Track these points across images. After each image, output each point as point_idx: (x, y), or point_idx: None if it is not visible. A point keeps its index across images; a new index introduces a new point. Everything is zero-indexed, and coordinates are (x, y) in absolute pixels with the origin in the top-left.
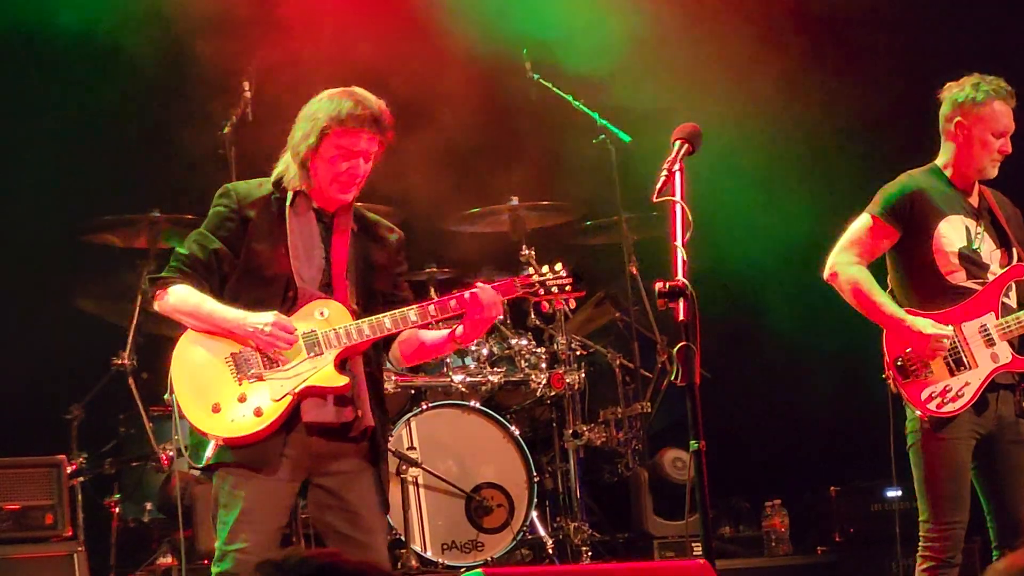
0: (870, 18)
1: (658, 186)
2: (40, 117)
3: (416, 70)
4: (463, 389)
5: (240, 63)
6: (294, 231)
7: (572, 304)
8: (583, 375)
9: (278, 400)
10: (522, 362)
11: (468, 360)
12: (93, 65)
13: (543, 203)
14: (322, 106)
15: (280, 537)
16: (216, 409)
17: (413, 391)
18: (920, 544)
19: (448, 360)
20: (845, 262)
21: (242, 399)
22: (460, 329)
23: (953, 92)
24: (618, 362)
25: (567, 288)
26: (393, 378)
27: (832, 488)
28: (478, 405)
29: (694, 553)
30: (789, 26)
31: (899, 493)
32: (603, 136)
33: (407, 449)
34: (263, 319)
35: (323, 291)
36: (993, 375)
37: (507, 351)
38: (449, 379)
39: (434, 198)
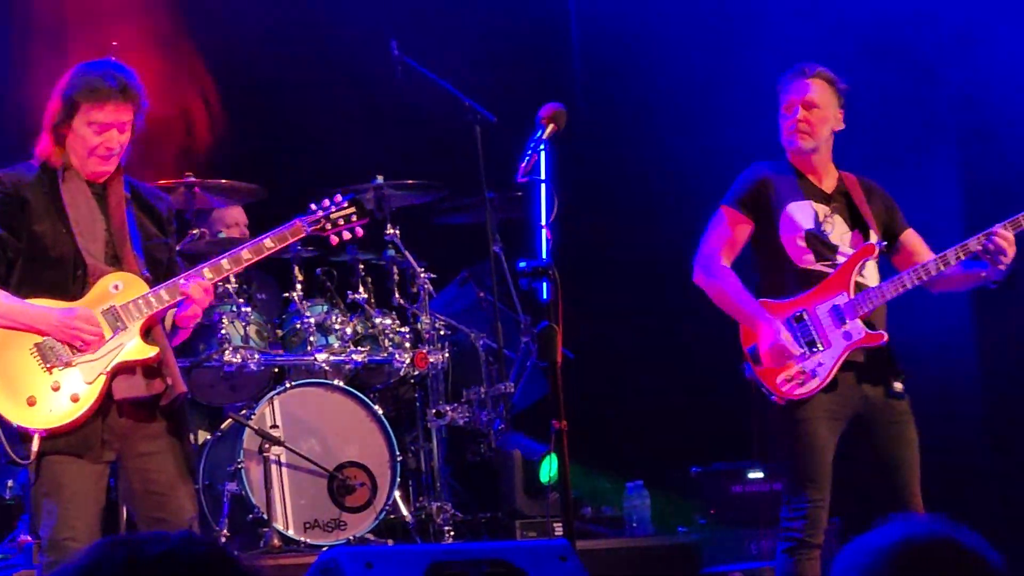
0: None
1: (523, 166)
2: None
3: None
4: (326, 368)
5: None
6: (71, 206)
7: (360, 232)
8: (447, 355)
9: (91, 382)
10: (386, 341)
11: (332, 339)
12: None
13: (408, 182)
14: (72, 81)
15: (101, 520)
16: (31, 402)
17: (276, 369)
18: (781, 526)
19: (311, 339)
20: (708, 262)
21: (56, 387)
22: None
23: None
24: (481, 342)
25: (352, 218)
26: (256, 356)
27: (693, 469)
28: (341, 384)
29: (556, 533)
30: None
31: (761, 475)
32: (468, 116)
33: (270, 427)
34: (66, 316)
35: (111, 264)
36: (847, 353)
37: (371, 330)
38: (312, 358)
39: (298, 177)
